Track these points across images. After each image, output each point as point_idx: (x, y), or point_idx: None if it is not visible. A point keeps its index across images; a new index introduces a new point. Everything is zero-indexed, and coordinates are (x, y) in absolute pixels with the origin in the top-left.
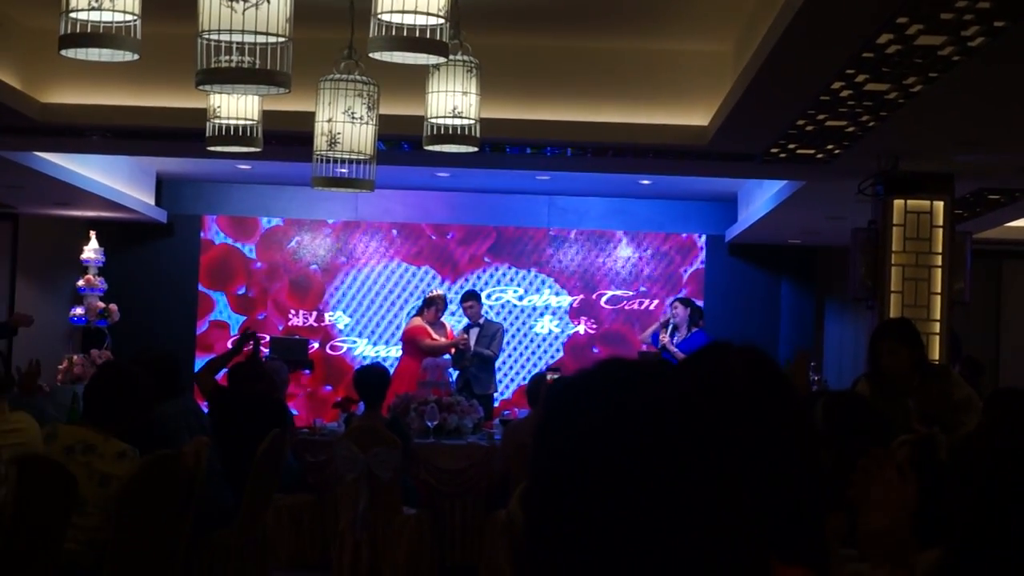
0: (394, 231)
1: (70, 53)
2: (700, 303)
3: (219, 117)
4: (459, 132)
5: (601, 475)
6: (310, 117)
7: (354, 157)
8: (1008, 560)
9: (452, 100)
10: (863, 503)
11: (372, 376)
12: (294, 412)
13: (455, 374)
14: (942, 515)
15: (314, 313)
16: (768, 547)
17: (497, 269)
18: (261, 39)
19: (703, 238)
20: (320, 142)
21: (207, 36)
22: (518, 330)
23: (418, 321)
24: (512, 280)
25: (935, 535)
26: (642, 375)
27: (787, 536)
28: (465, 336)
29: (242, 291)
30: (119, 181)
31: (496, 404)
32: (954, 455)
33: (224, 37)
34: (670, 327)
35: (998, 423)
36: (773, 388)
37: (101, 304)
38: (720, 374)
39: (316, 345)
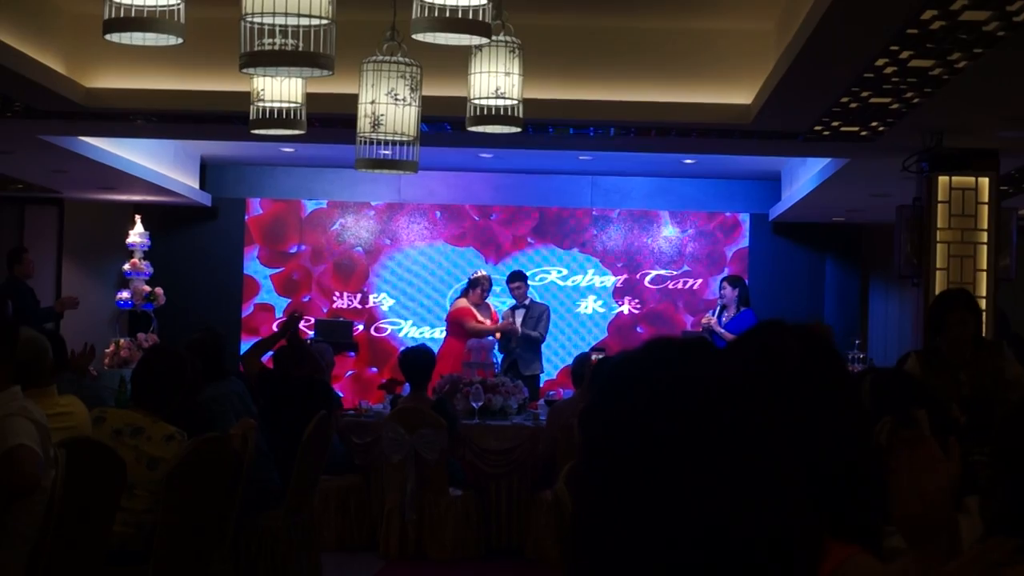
0: (437, 212)
1: (114, 37)
2: (747, 281)
3: (263, 100)
4: (502, 112)
5: (652, 454)
6: (353, 99)
7: (397, 139)
8: None
9: (495, 81)
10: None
11: (418, 358)
12: (339, 394)
13: (500, 356)
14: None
15: (358, 295)
16: (822, 524)
17: (540, 250)
18: (304, 21)
19: (747, 217)
20: (363, 124)
21: (251, 19)
22: (562, 311)
23: (463, 302)
24: (556, 260)
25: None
26: (689, 353)
27: (840, 513)
28: (511, 321)
29: (294, 250)
30: (163, 165)
31: (541, 384)
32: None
33: (268, 20)
34: (718, 308)
35: None
36: (827, 366)
37: (147, 288)
38: (774, 352)
39: (361, 327)
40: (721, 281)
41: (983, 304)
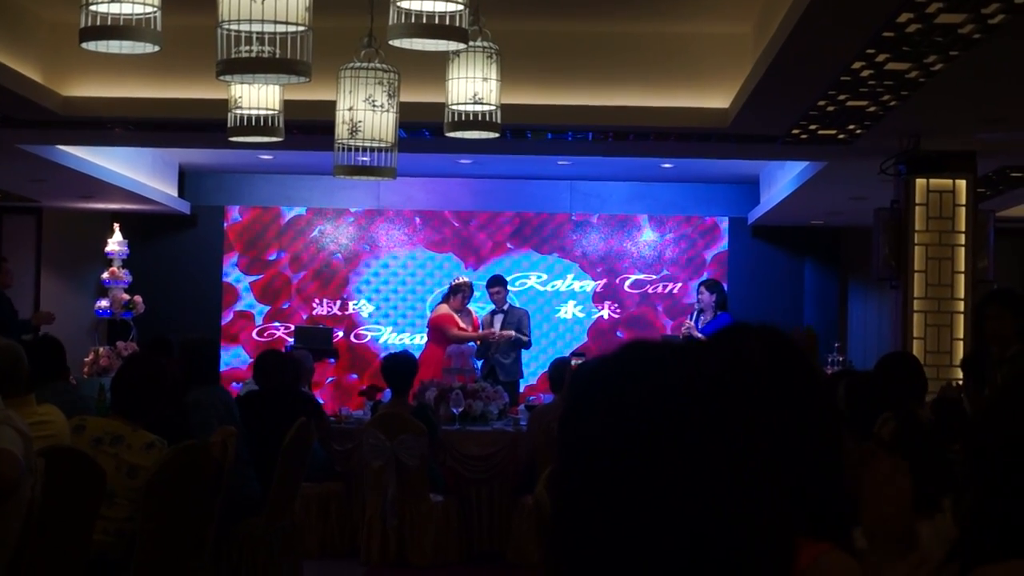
0: (417, 218)
1: (91, 46)
2: (724, 285)
3: (240, 107)
4: (480, 118)
5: (627, 457)
6: (331, 106)
7: (375, 145)
8: None
9: (472, 86)
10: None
11: (399, 364)
12: (320, 401)
13: (480, 362)
14: (929, 488)
15: (338, 302)
16: (793, 522)
17: (520, 255)
18: (281, 28)
19: (726, 220)
20: (341, 131)
21: (227, 26)
22: (542, 316)
23: (445, 308)
24: (535, 266)
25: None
26: (666, 357)
27: (811, 512)
28: (493, 331)
29: (273, 257)
30: (142, 173)
31: (521, 390)
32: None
33: (244, 27)
34: (695, 313)
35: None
36: (793, 367)
37: (126, 296)
38: (740, 354)
39: (340, 334)
40: (698, 285)
41: (960, 307)
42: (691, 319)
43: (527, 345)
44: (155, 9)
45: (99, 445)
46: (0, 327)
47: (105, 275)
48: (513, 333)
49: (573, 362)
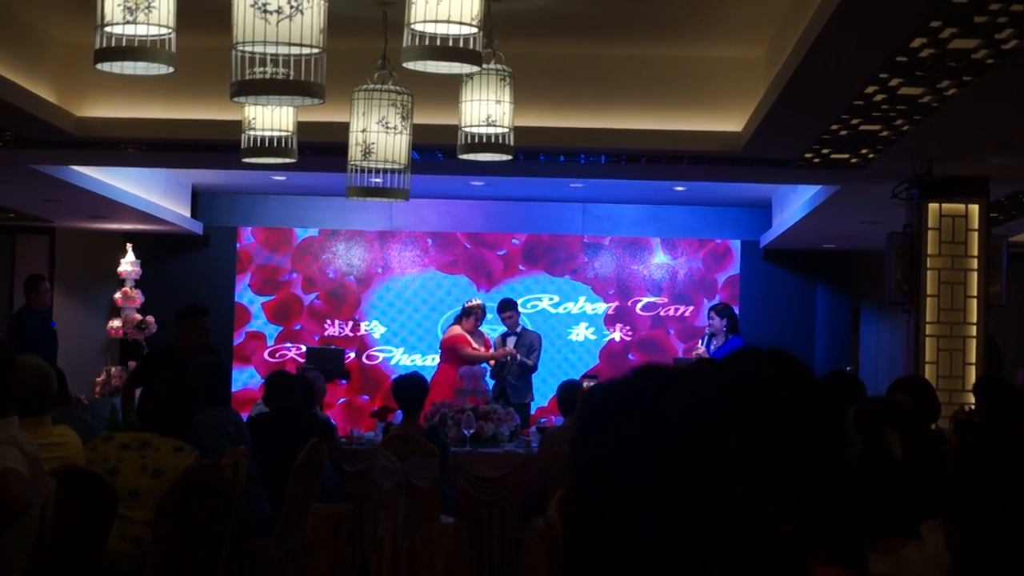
0: (429, 240)
1: (105, 67)
2: (736, 309)
3: (254, 129)
4: (493, 140)
5: (639, 481)
6: (344, 127)
7: (388, 167)
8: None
9: (486, 109)
10: None
11: (411, 385)
12: (332, 423)
13: (491, 383)
14: (899, 507)
15: (350, 323)
16: (807, 548)
17: (532, 277)
18: (295, 50)
19: (738, 244)
20: (354, 152)
21: (241, 48)
22: (554, 338)
23: (458, 329)
24: (547, 288)
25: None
26: (679, 381)
27: (825, 537)
28: (509, 350)
29: (285, 278)
30: (155, 194)
31: (532, 412)
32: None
33: (258, 49)
34: (706, 337)
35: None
36: (804, 390)
37: (138, 316)
38: (751, 378)
39: (352, 355)
40: (709, 310)
41: (972, 332)
42: (702, 343)
43: (532, 369)
44: (170, 31)
45: (126, 450)
46: (34, 346)
47: (118, 295)
48: (519, 356)
49: (585, 384)
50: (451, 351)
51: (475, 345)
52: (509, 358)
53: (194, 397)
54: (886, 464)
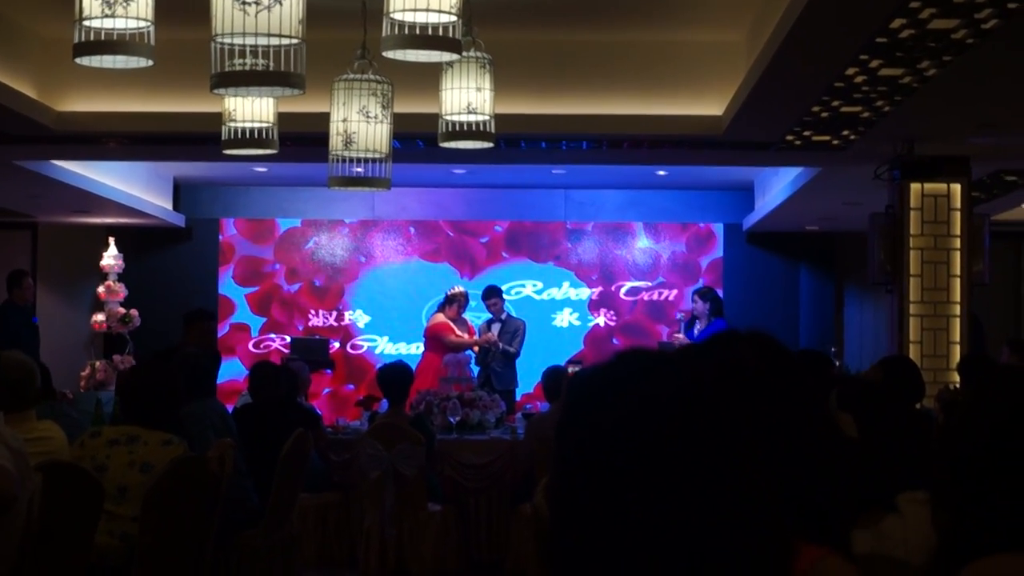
0: (411, 228)
1: (85, 61)
2: (719, 292)
3: (234, 120)
4: (474, 128)
5: (625, 465)
6: (325, 118)
7: (370, 156)
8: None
9: (466, 96)
10: None
11: (396, 373)
12: (318, 412)
13: (477, 370)
14: (857, 490)
15: (334, 313)
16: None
17: (515, 264)
18: (275, 41)
19: (721, 227)
20: (335, 142)
21: (220, 40)
22: (538, 324)
23: (441, 317)
24: (531, 274)
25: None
26: (661, 365)
27: (808, 516)
28: (492, 336)
29: (268, 269)
30: (136, 187)
31: (518, 399)
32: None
33: (238, 40)
34: (686, 322)
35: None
36: (784, 371)
37: (122, 310)
38: (733, 361)
39: (337, 345)
40: (692, 294)
41: (956, 311)
42: (681, 331)
43: (515, 356)
44: (148, 24)
45: (114, 445)
46: (16, 341)
47: (101, 289)
48: (501, 344)
49: (570, 370)
50: (435, 339)
51: (458, 332)
52: (492, 346)
53: (176, 388)
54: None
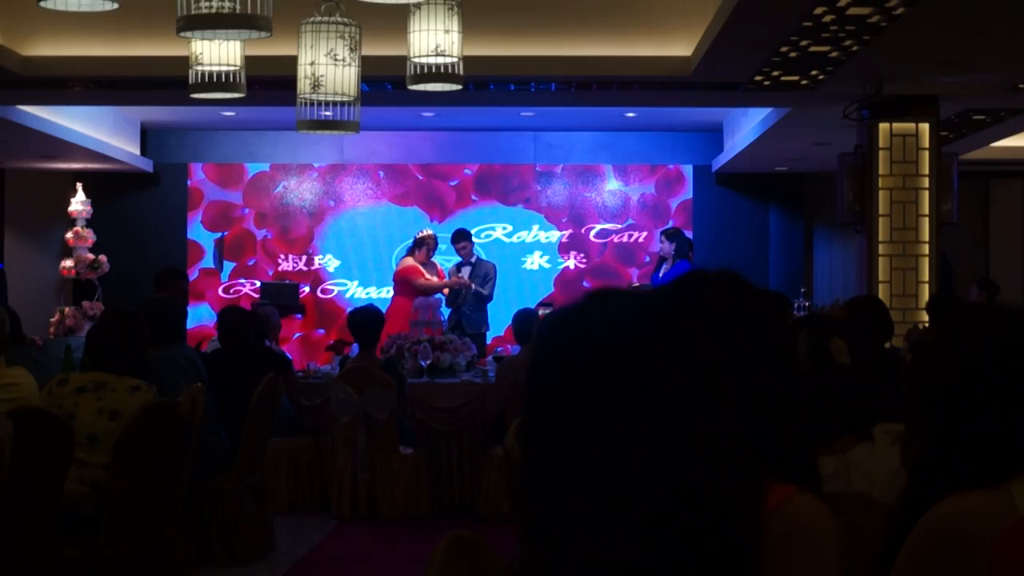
0: (381, 172)
1: (49, 4)
2: (689, 233)
3: (201, 64)
4: (442, 70)
5: (595, 408)
6: (293, 61)
7: (338, 99)
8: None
9: (434, 39)
10: None
11: (366, 317)
12: (288, 356)
13: (447, 313)
14: (839, 412)
15: (303, 257)
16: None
17: (485, 207)
18: None
19: (690, 169)
20: (303, 85)
21: None
22: (508, 267)
23: (410, 260)
24: (500, 217)
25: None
26: (630, 306)
27: (779, 455)
28: (460, 276)
29: (237, 214)
30: (104, 132)
31: (488, 342)
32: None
33: None
34: (657, 261)
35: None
36: (752, 310)
37: (91, 256)
38: (702, 302)
39: (307, 289)
40: (660, 234)
41: (924, 250)
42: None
43: (488, 299)
44: None
45: (82, 393)
46: None
47: (69, 235)
48: (473, 286)
49: (540, 313)
50: (404, 283)
51: (428, 275)
52: (463, 288)
53: (142, 334)
54: (835, 370)
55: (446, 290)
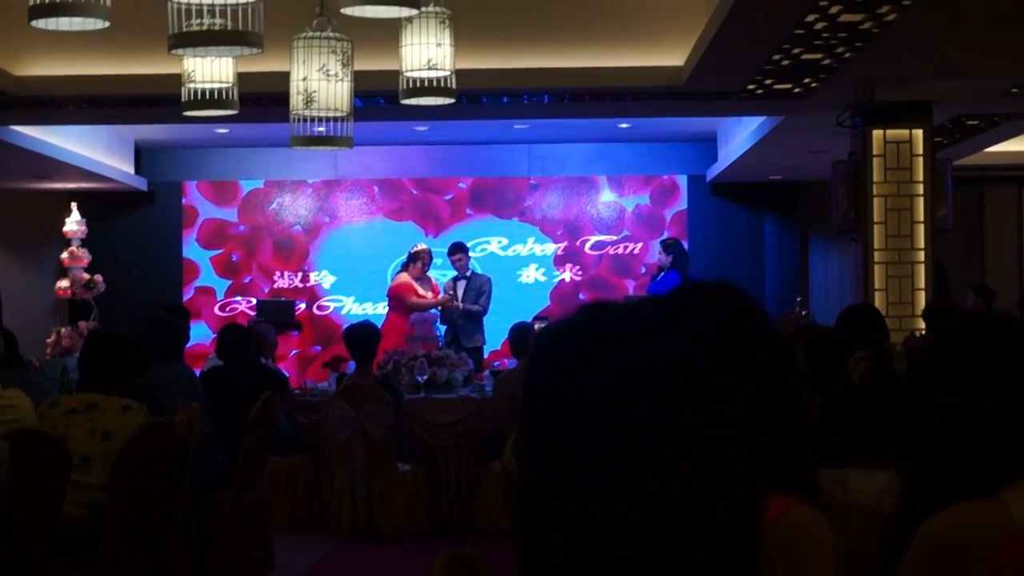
0: (375, 187)
1: (40, 23)
2: (685, 244)
3: (194, 81)
4: (435, 84)
5: (592, 423)
6: (285, 77)
7: (331, 115)
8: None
9: (426, 52)
10: None
11: (362, 334)
12: (285, 374)
13: (443, 328)
14: (896, 427)
15: (299, 274)
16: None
17: (480, 220)
18: (232, 0)
19: (684, 179)
20: (296, 101)
21: (177, 0)
22: (504, 280)
23: (404, 277)
24: (495, 231)
25: (888, 447)
26: (627, 319)
27: (777, 467)
28: (450, 296)
29: (232, 231)
30: (98, 151)
31: (485, 356)
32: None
33: (194, 0)
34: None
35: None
36: (750, 322)
37: (86, 276)
38: (700, 315)
39: (303, 306)
40: (659, 244)
41: (920, 256)
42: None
43: (483, 313)
44: None
45: (73, 415)
46: None
47: (64, 255)
48: (462, 305)
49: (536, 326)
50: (397, 300)
51: (421, 292)
52: (452, 309)
53: (127, 353)
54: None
55: (440, 307)
